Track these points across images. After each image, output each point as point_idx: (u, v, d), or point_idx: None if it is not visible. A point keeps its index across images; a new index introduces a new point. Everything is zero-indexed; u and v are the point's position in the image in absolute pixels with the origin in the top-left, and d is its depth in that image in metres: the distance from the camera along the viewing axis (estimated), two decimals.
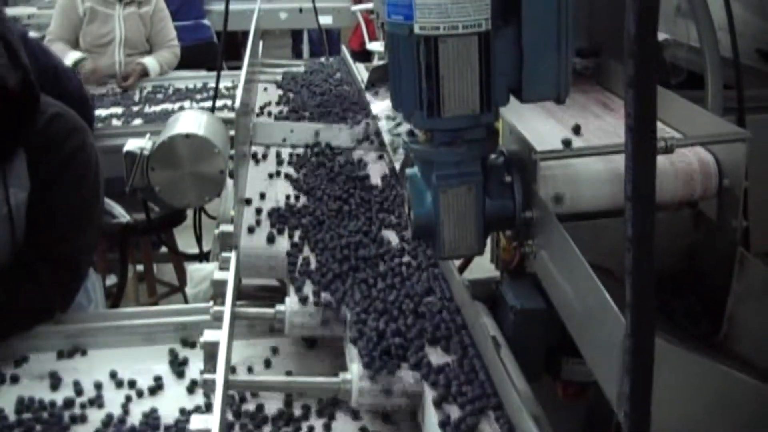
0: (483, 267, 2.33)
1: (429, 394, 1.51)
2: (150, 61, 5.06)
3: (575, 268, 1.38)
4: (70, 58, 4.80)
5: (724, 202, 1.76)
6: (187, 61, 5.36)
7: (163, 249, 4.52)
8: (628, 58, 0.71)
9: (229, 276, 1.79)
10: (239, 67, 3.12)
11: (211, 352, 1.57)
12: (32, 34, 4.35)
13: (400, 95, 1.49)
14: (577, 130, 1.93)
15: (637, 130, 0.72)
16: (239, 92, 2.21)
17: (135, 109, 4.37)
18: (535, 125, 1.96)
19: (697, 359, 1.31)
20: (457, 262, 2.14)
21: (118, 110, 4.36)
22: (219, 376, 1.45)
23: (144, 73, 5.00)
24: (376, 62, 3.92)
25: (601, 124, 1.98)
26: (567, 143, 1.77)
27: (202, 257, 3.96)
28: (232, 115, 3.39)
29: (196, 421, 1.34)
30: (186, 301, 3.03)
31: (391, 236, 2.10)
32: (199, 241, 3.98)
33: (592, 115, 2.05)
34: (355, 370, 1.55)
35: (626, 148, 0.74)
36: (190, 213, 4.12)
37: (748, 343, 1.68)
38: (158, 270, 4.72)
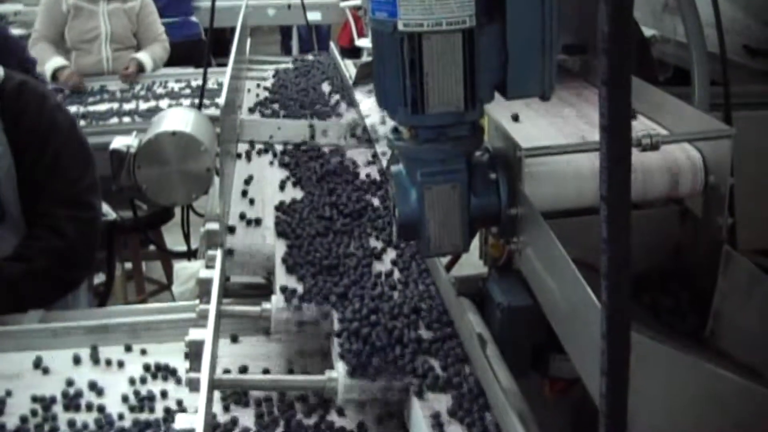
0: (473, 263, 2.32)
1: (416, 401, 1.51)
2: (144, 56, 5.05)
3: (560, 265, 1.38)
4: (50, 65, 4.78)
5: (710, 199, 1.76)
6: (174, 58, 5.34)
7: (152, 247, 4.51)
8: (601, 56, 0.71)
9: (215, 274, 1.78)
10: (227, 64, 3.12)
11: (196, 351, 1.56)
12: (16, 31, 4.34)
13: (384, 92, 1.48)
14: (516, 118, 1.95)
15: (611, 129, 0.72)
16: (224, 89, 2.21)
17: (125, 107, 4.35)
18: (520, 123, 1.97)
19: (682, 357, 1.31)
20: (445, 259, 2.14)
21: (105, 107, 4.34)
22: (204, 375, 1.45)
23: (140, 69, 4.98)
24: (365, 59, 3.92)
25: (587, 121, 1.98)
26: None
27: (191, 255, 3.96)
28: (218, 112, 3.39)
29: (180, 420, 1.34)
30: (174, 300, 3.03)
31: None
32: (187, 238, 3.98)
33: (577, 111, 2.05)
34: (340, 369, 1.55)
35: (601, 148, 0.74)
36: (177, 211, 4.11)
37: (734, 339, 1.68)
38: (147, 268, 4.72)
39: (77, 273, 2.61)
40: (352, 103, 3.07)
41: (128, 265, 4.39)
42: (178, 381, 1.88)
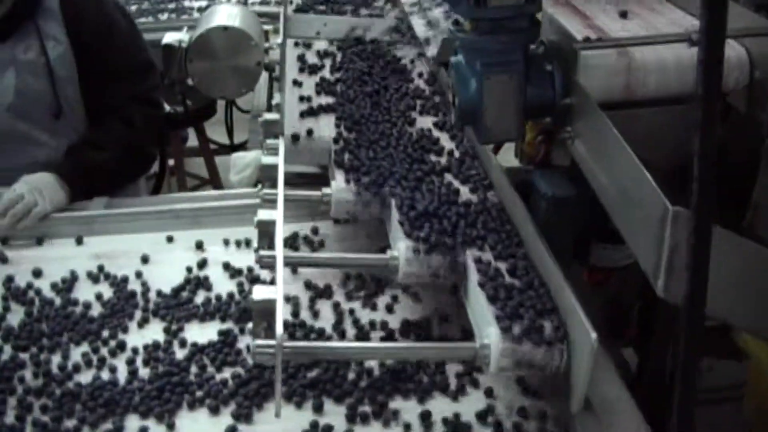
0: (507, 161, 2.40)
1: (473, 270, 1.60)
2: None
3: (615, 150, 1.46)
4: None
5: (754, 94, 1.82)
6: None
7: (190, 143, 4.59)
8: None
9: (279, 160, 1.87)
10: None
11: (265, 230, 1.66)
12: None
13: None
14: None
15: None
16: None
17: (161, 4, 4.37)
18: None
19: (728, 234, 1.38)
20: None
21: (144, 5, 4.36)
22: (278, 252, 1.54)
23: None
24: None
25: (633, 18, 2.03)
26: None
27: (234, 149, 4.03)
28: (264, 8, 3.44)
29: (259, 291, 1.43)
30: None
31: None
32: (231, 133, 4.05)
33: (625, 7, 2.10)
34: (402, 247, 1.65)
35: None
36: (219, 107, 4.19)
37: None
38: (186, 164, 4.80)
39: (142, 165, 2.75)
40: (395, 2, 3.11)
41: (170, 162, 4.46)
42: None
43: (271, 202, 1.77)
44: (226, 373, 1.71)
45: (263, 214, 1.67)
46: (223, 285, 1.99)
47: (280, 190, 1.75)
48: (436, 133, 2.13)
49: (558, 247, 1.95)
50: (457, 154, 2.02)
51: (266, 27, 3.05)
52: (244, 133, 4.22)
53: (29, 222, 2.22)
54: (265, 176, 1.90)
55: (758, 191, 1.80)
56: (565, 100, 1.66)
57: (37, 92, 2.49)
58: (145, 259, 2.10)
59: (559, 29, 1.74)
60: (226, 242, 2.16)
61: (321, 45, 2.70)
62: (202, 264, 2.07)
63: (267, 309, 1.41)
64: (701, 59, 0.89)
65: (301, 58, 2.57)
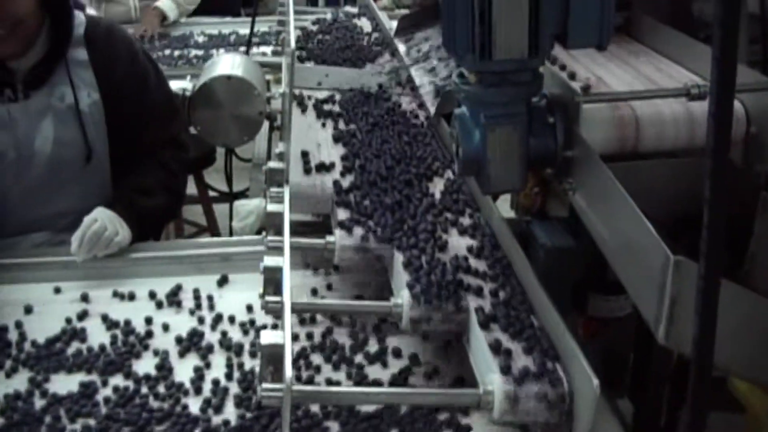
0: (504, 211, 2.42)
1: (475, 319, 1.63)
2: (166, 4, 4.79)
3: (617, 201, 1.49)
4: None
5: (751, 148, 1.86)
6: (206, 7, 5.19)
7: (189, 191, 4.59)
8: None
9: (285, 207, 1.90)
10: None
11: (271, 277, 1.68)
12: None
13: (453, 39, 1.60)
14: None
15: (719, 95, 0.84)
16: (291, 34, 2.31)
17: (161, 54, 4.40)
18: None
19: (728, 283, 1.41)
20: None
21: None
22: (286, 298, 1.57)
23: (162, 18, 4.76)
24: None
25: (632, 72, 2.08)
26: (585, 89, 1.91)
27: (234, 197, 4.06)
28: (265, 59, 3.50)
29: (266, 336, 1.45)
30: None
31: None
32: (230, 181, 4.09)
33: (623, 62, 2.15)
34: (405, 295, 1.67)
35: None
36: (219, 156, 4.22)
37: None
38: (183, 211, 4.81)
39: (177, 208, 2.83)
40: (394, 53, 3.17)
41: None
42: None
43: (276, 249, 1.80)
44: (77, 425, 1.72)
45: (270, 261, 1.70)
46: (97, 337, 2.00)
47: (286, 237, 1.77)
48: (473, 262, 1.86)
49: (556, 296, 1.99)
50: (502, 295, 1.74)
51: (267, 77, 3.11)
52: (241, 181, 4.25)
53: (110, 250, 2.30)
54: (270, 223, 1.93)
55: (755, 242, 1.83)
56: (566, 152, 1.69)
57: (69, 141, 2.51)
58: (28, 310, 2.11)
59: (561, 82, 1.78)
60: (115, 294, 2.19)
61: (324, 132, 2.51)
62: (83, 315, 2.09)
63: (275, 354, 1.43)
64: (712, 111, 0.93)
65: (304, 155, 2.26)
